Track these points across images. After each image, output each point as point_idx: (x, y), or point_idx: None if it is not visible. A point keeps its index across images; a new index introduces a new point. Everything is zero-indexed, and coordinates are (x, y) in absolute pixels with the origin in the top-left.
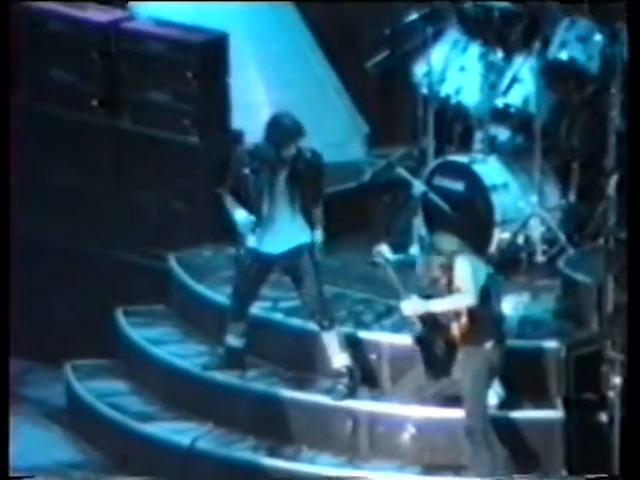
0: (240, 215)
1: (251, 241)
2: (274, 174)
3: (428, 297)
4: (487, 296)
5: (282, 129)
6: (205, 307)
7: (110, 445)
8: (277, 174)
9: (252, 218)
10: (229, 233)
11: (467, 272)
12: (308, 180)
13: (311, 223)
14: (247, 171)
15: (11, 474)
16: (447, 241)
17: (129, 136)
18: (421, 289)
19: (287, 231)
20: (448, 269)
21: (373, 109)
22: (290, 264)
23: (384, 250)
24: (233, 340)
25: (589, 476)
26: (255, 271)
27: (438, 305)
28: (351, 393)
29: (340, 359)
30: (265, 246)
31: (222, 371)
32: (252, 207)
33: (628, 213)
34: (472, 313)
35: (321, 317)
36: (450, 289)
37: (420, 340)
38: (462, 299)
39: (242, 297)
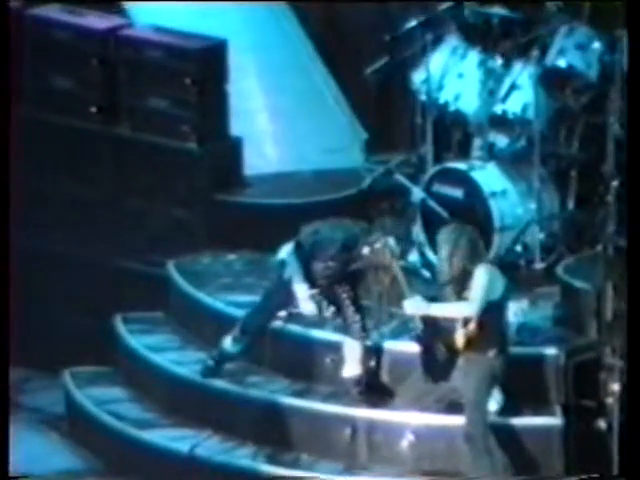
0: (302, 291)
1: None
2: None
3: (432, 299)
4: (501, 307)
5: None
6: (204, 314)
7: (109, 452)
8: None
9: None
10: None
11: (482, 282)
12: None
13: None
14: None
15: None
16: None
17: (128, 143)
18: (428, 289)
19: None
20: (467, 274)
21: (372, 116)
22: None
23: (391, 243)
24: (230, 345)
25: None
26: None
27: (440, 309)
28: (367, 400)
29: (350, 369)
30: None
31: (218, 376)
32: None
33: (628, 221)
34: (482, 321)
35: (359, 329)
36: (460, 296)
37: (420, 340)
38: (464, 308)
39: (263, 319)
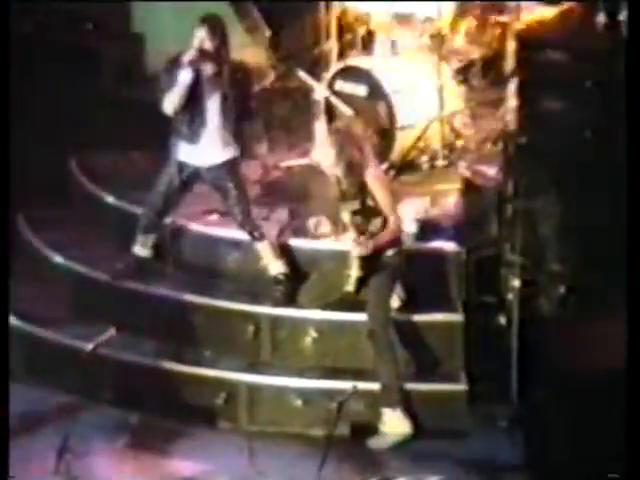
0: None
1: (181, 154)
2: (201, 88)
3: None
4: None
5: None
6: (108, 212)
7: (14, 350)
8: (204, 88)
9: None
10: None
11: (379, 187)
12: (235, 94)
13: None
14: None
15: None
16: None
17: (30, 41)
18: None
19: (214, 145)
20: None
21: (276, 11)
22: (216, 178)
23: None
24: (141, 250)
25: None
26: (179, 183)
27: (381, 239)
28: (289, 299)
29: (276, 267)
30: (193, 159)
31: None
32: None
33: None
34: (359, 227)
35: (251, 229)
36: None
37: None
38: (397, 223)
39: (160, 209)
